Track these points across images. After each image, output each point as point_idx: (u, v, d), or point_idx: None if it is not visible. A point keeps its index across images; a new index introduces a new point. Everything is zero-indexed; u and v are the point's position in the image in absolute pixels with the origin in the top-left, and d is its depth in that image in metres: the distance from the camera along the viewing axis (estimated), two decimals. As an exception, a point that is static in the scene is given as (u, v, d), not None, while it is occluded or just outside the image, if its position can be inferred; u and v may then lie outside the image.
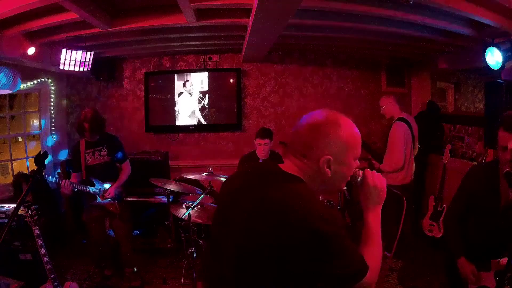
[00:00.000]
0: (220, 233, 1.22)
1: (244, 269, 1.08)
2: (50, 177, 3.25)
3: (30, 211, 2.63)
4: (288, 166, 1.17)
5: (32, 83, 4.83)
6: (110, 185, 3.48)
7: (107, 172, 3.51)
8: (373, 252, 1.17)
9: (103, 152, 3.47)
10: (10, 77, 3.65)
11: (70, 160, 3.84)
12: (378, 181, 1.28)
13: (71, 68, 3.77)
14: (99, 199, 3.43)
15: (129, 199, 3.84)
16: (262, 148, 3.62)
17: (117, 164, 3.62)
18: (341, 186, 1.21)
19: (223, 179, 3.50)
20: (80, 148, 3.43)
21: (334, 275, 1.04)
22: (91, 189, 3.40)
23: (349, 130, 1.15)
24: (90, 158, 3.44)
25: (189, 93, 5.27)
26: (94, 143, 3.46)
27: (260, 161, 3.67)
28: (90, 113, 3.34)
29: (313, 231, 0.99)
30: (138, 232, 4.33)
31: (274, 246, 1.01)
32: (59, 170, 4.90)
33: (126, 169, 3.64)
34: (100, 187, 3.44)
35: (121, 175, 3.58)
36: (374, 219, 1.26)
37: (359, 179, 1.28)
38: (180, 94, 5.26)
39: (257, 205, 1.07)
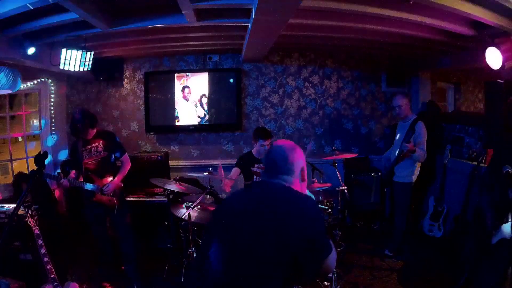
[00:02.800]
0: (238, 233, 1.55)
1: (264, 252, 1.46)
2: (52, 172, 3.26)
3: (30, 211, 2.63)
4: (285, 181, 1.65)
5: (32, 83, 4.83)
6: (110, 181, 3.49)
7: (104, 168, 3.52)
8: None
9: (99, 148, 3.49)
10: (10, 77, 3.64)
11: (70, 160, 3.85)
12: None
13: (71, 68, 3.76)
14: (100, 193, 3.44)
15: (129, 198, 3.83)
16: (264, 149, 3.64)
17: (117, 159, 3.62)
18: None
19: (223, 180, 3.52)
20: (78, 146, 3.45)
21: (320, 247, 1.49)
22: (89, 186, 3.41)
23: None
24: (87, 155, 3.46)
25: (189, 93, 5.27)
26: (90, 140, 3.48)
27: (260, 157, 3.70)
28: (78, 113, 3.36)
29: (317, 214, 1.60)
30: (138, 232, 4.32)
31: (294, 228, 1.45)
32: (59, 170, 4.90)
33: (126, 163, 3.63)
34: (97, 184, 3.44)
35: (120, 170, 3.58)
36: None
37: None
38: (180, 94, 5.26)
39: (283, 205, 1.54)
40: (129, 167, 3.65)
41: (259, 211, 1.53)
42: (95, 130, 3.49)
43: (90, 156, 3.46)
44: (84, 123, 3.35)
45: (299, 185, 1.68)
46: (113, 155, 3.59)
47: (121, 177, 3.55)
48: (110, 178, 3.52)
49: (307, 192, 1.80)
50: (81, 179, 3.45)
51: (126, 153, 3.67)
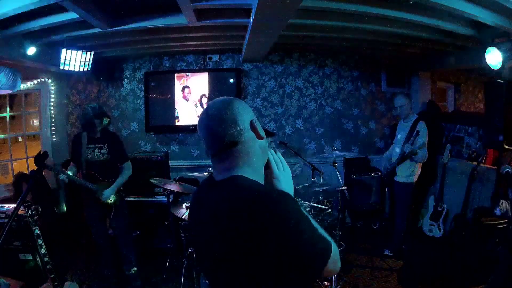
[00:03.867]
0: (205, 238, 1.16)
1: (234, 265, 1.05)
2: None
3: (30, 211, 2.63)
4: (234, 154, 1.14)
5: (32, 83, 4.83)
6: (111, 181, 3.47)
7: (107, 170, 3.48)
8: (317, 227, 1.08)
9: (103, 150, 3.45)
10: (10, 77, 3.65)
11: (71, 152, 3.80)
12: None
13: (71, 68, 3.77)
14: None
15: (129, 198, 3.81)
16: None
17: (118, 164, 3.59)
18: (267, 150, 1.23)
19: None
20: (81, 141, 3.41)
21: (302, 259, 0.99)
22: (90, 185, 3.38)
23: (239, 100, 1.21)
24: (90, 154, 3.42)
25: (189, 93, 5.27)
26: (96, 139, 3.44)
27: None
28: (95, 109, 3.33)
29: (276, 211, 0.99)
30: (138, 232, 4.32)
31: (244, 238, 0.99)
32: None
33: (125, 170, 3.57)
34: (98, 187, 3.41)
35: (119, 177, 3.50)
36: None
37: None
38: (180, 94, 5.26)
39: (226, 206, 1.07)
40: (129, 174, 3.56)
41: (210, 232, 1.10)
42: (103, 130, 3.47)
43: (93, 157, 3.42)
44: (99, 120, 3.33)
45: (253, 151, 1.15)
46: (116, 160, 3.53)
47: (118, 186, 3.46)
48: (111, 180, 3.49)
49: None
50: (79, 175, 3.43)
51: (129, 161, 3.60)
